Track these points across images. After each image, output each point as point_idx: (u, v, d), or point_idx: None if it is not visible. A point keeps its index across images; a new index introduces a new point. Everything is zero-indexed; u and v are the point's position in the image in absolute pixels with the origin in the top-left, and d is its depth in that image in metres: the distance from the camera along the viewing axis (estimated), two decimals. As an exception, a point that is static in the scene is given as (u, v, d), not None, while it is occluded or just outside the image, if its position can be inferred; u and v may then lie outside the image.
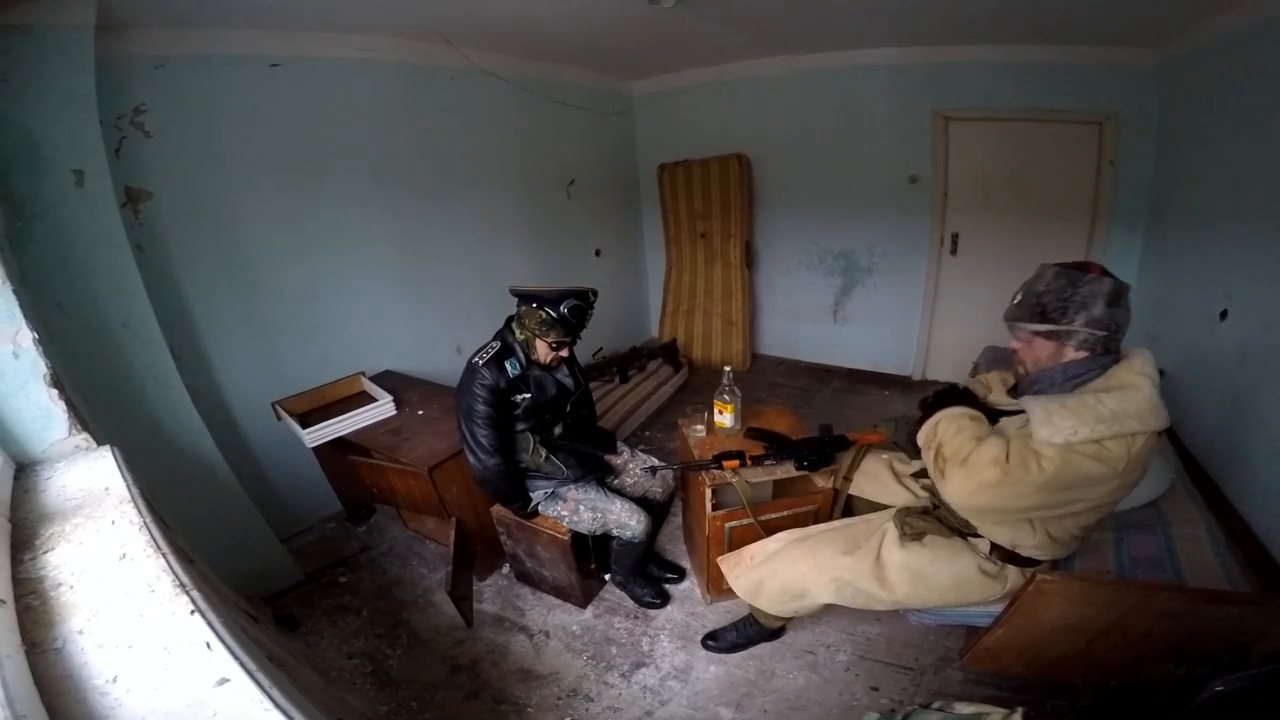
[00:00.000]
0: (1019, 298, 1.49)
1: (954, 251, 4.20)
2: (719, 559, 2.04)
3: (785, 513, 2.10)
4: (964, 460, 1.46)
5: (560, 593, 2.47)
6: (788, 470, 2.06)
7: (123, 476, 1.32)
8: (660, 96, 4.71)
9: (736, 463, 1.99)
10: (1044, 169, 3.77)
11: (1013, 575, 1.66)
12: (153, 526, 1.13)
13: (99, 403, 1.80)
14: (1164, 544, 1.96)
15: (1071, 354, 1.43)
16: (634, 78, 4.65)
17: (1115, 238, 3.69)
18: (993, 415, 1.64)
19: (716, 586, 2.27)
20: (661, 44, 3.61)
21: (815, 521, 2.07)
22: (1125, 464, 1.33)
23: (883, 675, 2.05)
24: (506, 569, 2.65)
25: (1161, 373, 3.07)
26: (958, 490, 1.48)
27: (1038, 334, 1.45)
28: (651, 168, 4.89)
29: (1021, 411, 1.51)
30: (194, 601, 0.94)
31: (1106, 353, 1.41)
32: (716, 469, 2.02)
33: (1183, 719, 1.02)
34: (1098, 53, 3.32)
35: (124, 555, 1.05)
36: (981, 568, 1.66)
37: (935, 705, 1.30)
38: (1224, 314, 2.73)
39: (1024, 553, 1.61)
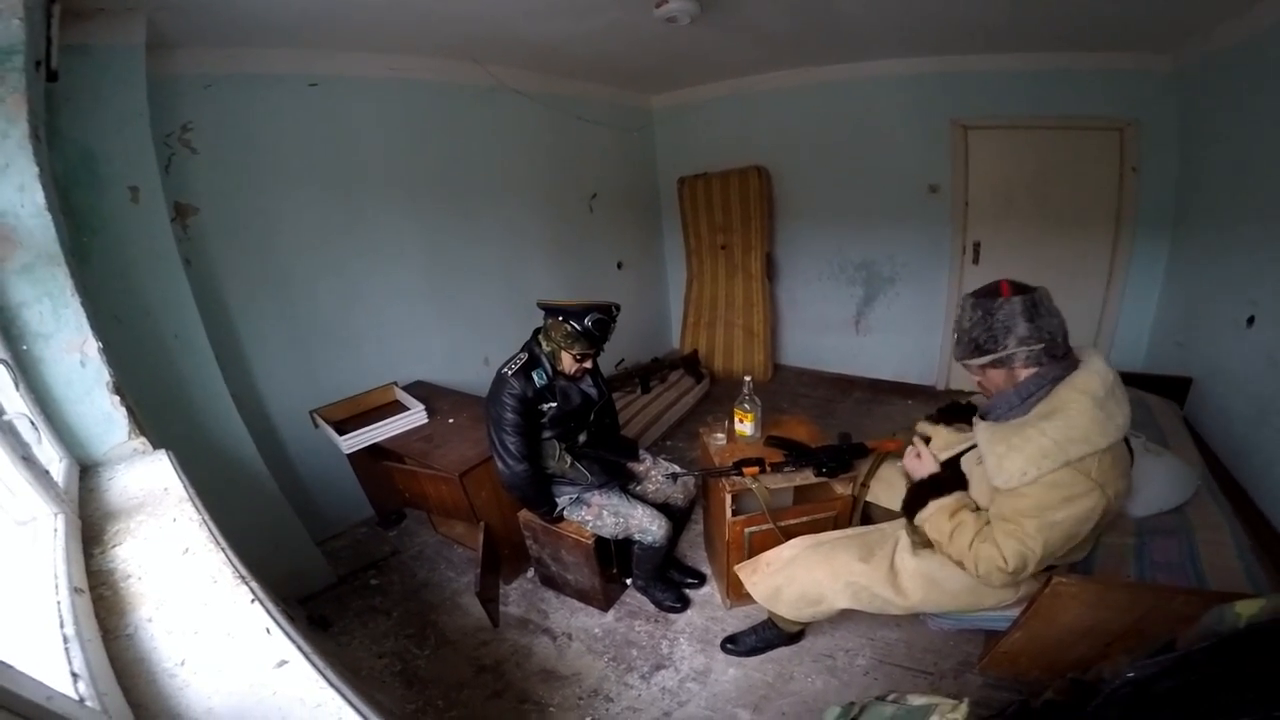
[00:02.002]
0: (955, 337, 1.53)
1: (976, 261, 4.20)
2: (736, 567, 2.08)
3: (804, 519, 2.14)
4: (976, 573, 1.50)
5: (583, 596, 2.53)
6: (806, 477, 2.10)
7: (180, 478, 1.42)
8: (679, 110, 4.78)
9: (756, 469, 2.04)
10: (1065, 177, 3.77)
11: (1026, 580, 1.66)
12: (211, 524, 1.21)
13: (152, 409, 1.90)
14: (1186, 549, 1.95)
15: (1023, 373, 1.46)
16: (654, 92, 4.74)
17: (1140, 245, 3.67)
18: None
19: (736, 591, 2.30)
20: (680, 59, 3.69)
21: (834, 527, 2.10)
22: (1095, 487, 1.36)
23: (901, 680, 2.07)
24: (531, 573, 2.71)
25: (1189, 380, 3.08)
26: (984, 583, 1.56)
27: (984, 366, 1.50)
28: (671, 181, 4.96)
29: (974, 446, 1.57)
30: (253, 591, 1.02)
31: (1055, 360, 1.43)
32: (737, 475, 2.07)
33: (1101, 705, 1.05)
34: (1115, 59, 3.33)
35: (186, 550, 1.14)
36: None
37: (890, 697, 1.34)
38: (1251, 320, 2.72)
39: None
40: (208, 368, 2.27)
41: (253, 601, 1.00)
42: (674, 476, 2.47)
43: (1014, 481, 1.39)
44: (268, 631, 0.95)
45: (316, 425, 2.78)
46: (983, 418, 1.61)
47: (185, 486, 1.37)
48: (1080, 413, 1.35)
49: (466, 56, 3.15)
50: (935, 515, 1.60)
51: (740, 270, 4.85)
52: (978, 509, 1.59)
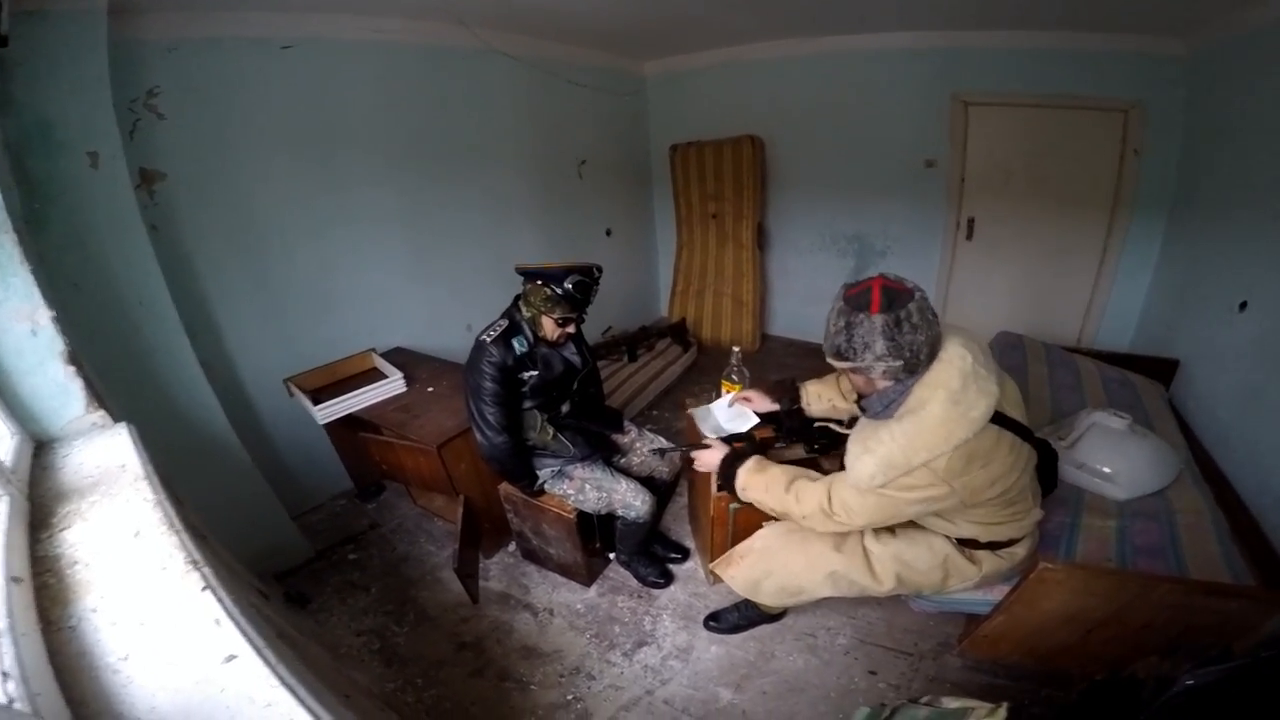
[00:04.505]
0: (824, 333, 1.47)
1: (969, 236, 4.16)
2: (711, 565, 2.05)
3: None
4: (800, 511, 1.59)
5: (565, 571, 2.51)
6: (797, 453, 2.08)
7: (138, 454, 1.35)
8: (673, 77, 4.66)
9: (742, 444, 2.00)
10: (1065, 156, 3.70)
11: (986, 559, 1.65)
12: (167, 504, 1.15)
13: (116, 380, 1.83)
14: (1168, 532, 1.95)
15: (880, 382, 1.43)
16: (647, 58, 4.60)
17: (1136, 226, 3.63)
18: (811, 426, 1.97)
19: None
20: (674, 24, 3.56)
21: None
22: (940, 482, 1.36)
23: (881, 660, 2.07)
24: (513, 547, 2.69)
25: (1176, 362, 3.07)
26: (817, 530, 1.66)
27: (843, 370, 1.48)
28: (663, 148, 4.85)
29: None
30: (205, 579, 0.97)
31: (912, 373, 1.39)
32: None
33: (1155, 712, 1.03)
34: (1125, 40, 3.24)
35: (137, 533, 1.08)
36: (956, 549, 1.66)
37: (924, 700, 1.32)
38: (1243, 305, 2.69)
39: (977, 537, 1.61)
40: (175, 335, 2.19)
41: (204, 590, 0.95)
42: (660, 452, 2.44)
43: (864, 484, 1.43)
44: (217, 623, 0.90)
45: (291, 394, 2.71)
46: (863, 411, 1.61)
47: (143, 463, 1.31)
48: (931, 414, 1.34)
49: (452, 18, 3.00)
50: (747, 478, 1.70)
51: (731, 239, 4.78)
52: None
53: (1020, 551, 1.66)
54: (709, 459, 1.84)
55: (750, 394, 2.09)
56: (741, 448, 1.80)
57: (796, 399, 2.04)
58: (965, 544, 1.64)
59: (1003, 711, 1.10)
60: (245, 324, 2.66)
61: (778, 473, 1.65)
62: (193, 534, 1.20)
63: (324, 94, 2.74)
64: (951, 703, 1.25)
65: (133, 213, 2.06)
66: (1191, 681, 1.00)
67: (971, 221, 4.12)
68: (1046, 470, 1.61)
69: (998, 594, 1.75)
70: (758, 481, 1.67)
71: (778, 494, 1.62)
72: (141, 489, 1.23)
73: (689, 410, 2.22)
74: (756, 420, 2.07)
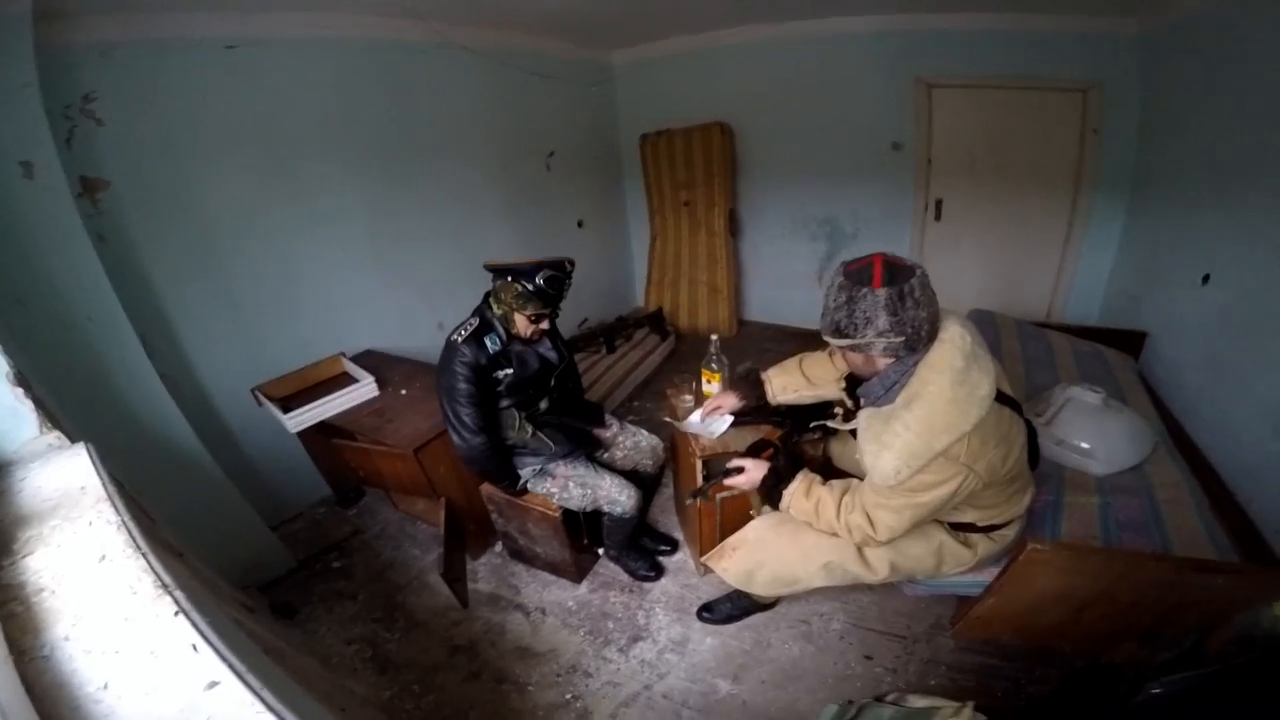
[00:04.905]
0: (822, 310, 1.45)
1: (938, 217, 4.21)
2: (704, 558, 2.01)
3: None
4: (853, 541, 1.57)
5: (554, 569, 2.47)
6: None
7: (99, 474, 1.28)
8: (641, 66, 4.61)
9: (771, 450, 1.92)
10: (1028, 136, 3.76)
11: (980, 542, 1.65)
12: (132, 525, 1.09)
13: (71, 399, 1.74)
14: (1149, 507, 1.97)
15: (880, 361, 1.41)
16: (613, 47, 4.54)
17: (1098, 204, 3.70)
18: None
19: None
20: (640, 11, 3.51)
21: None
22: (963, 469, 1.33)
23: (876, 644, 2.08)
24: (499, 547, 2.64)
25: (1144, 334, 3.13)
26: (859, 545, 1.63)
27: (842, 348, 1.44)
28: (633, 138, 4.81)
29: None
30: (177, 602, 0.91)
31: (912, 351, 1.38)
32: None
33: (1124, 716, 1.03)
34: (1082, 21, 3.29)
35: (103, 557, 1.02)
36: (950, 535, 1.66)
37: (889, 698, 1.32)
38: (1206, 278, 2.75)
39: (975, 521, 1.61)
40: (129, 349, 2.09)
41: (176, 614, 0.90)
42: (697, 494, 2.27)
43: (890, 480, 1.37)
44: (194, 648, 0.85)
45: (260, 404, 2.61)
46: (856, 403, 1.59)
47: (104, 484, 1.24)
48: (939, 395, 1.31)
49: (407, 12, 2.89)
50: (794, 501, 1.63)
51: (703, 226, 4.77)
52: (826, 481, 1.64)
53: (1011, 533, 1.66)
54: (746, 481, 1.75)
55: (719, 400, 2.08)
56: (778, 463, 1.71)
57: (763, 395, 2.02)
58: (960, 528, 1.64)
59: (968, 710, 1.10)
60: (207, 333, 2.55)
61: (825, 497, 1.59)
62: (166, 553, 1.14)
63: (275, 95, 2.63)
64: (918, 701, 1.25)
65: (74, 223, 1.95)
66: (1158, 690, 1.00)
67: (939, 203, 4.16)
68: (1029, 447, 1.62)
69: (988, 575, 1.75)
70: (805, 507, 1.61)
71: (828, 520, 1.57)
72: (104, 511, 1.16)
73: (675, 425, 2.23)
74: (731, 419, 2.09)
